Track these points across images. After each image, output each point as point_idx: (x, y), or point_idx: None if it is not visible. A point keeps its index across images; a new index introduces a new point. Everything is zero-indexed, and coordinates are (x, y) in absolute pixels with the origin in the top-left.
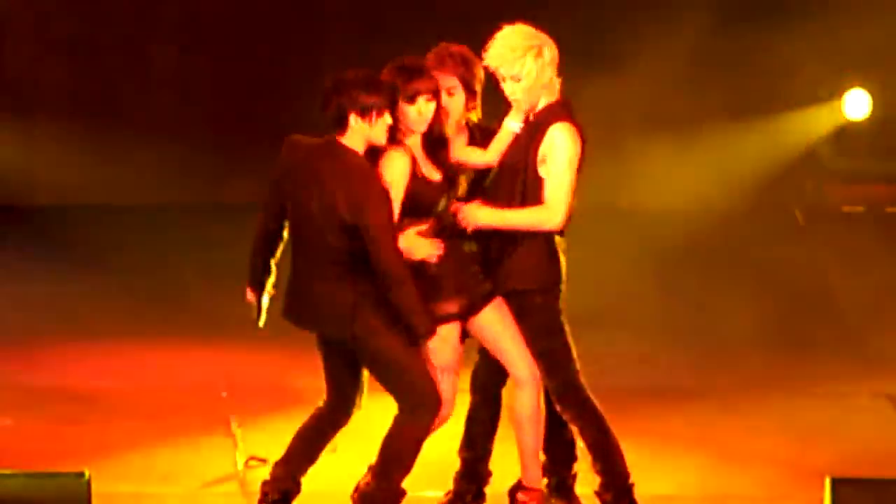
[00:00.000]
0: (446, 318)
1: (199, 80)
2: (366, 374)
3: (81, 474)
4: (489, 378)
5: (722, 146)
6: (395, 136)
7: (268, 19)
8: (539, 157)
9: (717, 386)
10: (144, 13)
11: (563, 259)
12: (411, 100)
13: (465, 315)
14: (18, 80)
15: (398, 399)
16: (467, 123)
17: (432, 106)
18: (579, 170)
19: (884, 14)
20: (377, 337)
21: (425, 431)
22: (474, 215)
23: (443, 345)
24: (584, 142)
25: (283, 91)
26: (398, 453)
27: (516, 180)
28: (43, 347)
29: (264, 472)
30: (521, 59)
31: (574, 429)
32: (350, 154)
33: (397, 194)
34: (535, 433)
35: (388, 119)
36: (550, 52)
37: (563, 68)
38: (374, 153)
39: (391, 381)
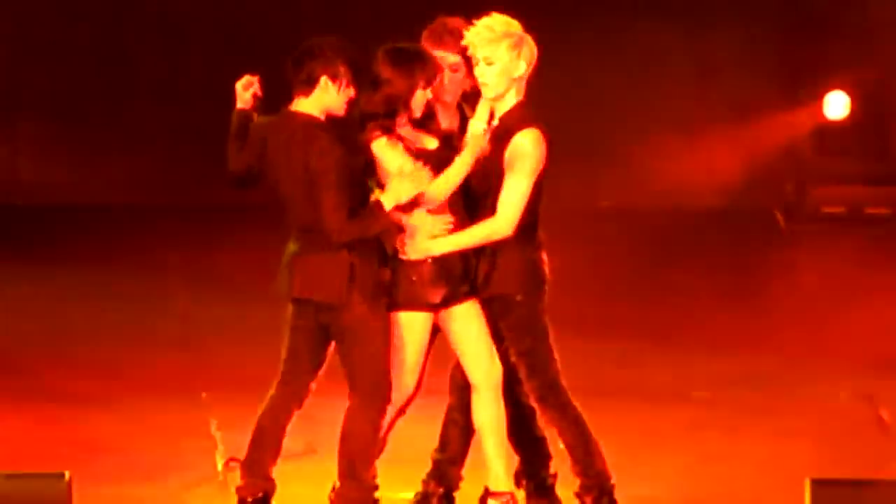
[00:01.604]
0: (425, 307)
1: (180, 81)
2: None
3: (62, 475)
4: (467, 380)
5: (703, 147)
6: (387, 123)
7: (250, 20)
8: (505, 163)
9: (697, 387)
10: (124, 14)
11: (546, 260)
12: (411, 92)
13: (442, 306)
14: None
15: (354, 383)
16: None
17: (428, 92)
18: (545, 171)
19: (863, 15)
20: (361, 311)
21: (379, 420)
22: (425, 248)
23: (412, 335)
24: (548, 144)
25: (266, 93)
26: (357, 449)
27: (488, 186)
28: (23, 348)
29: None
30: (496, 42)
31: (553, 430)
32: (300, 118)
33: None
34: (496, 438)
35: (350, 92)
36: (529, 50)
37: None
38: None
39: (357, 361)
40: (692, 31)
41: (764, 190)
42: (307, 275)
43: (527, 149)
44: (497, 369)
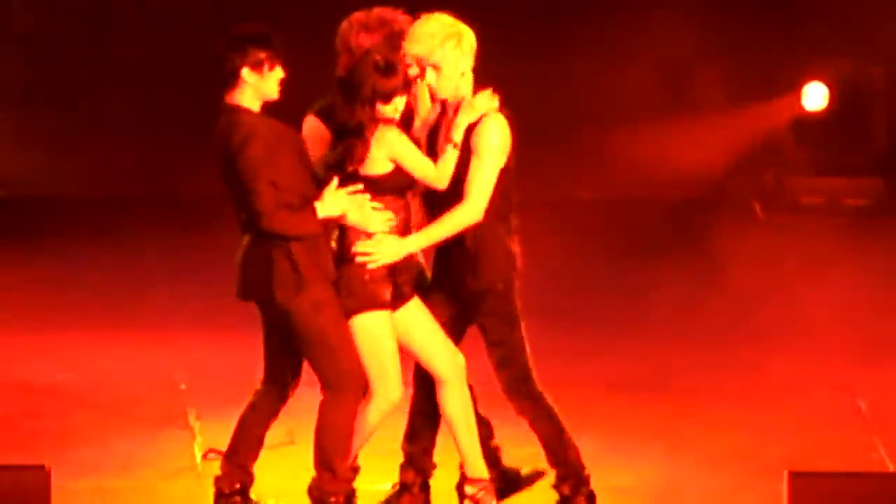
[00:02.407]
0: (382, 305)
1: (157, 74)
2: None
3: (41, 467)
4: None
5: (682, 137)
6: (369, 126)
7: (226, 14)
8: (471, 150)
9: (676, 378)
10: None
11: (517, 251)
12: (387, 99)
13: (393, 303)
14: None
15: (322, 377)
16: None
17: (404, 98)
18: (511, 161)
19: (841, 7)
20: (302, 307)
21: (352, 411)
22: (391, 251)
23: (383, 336)
24: (512, 130)
25: None
26: (332, 441)
27: (456, 176)
28: (1, 340)
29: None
30: (440, 46)
31: (525, 420)
32: (231, 111)
33: (410, 160)
34: (467, 427)
35: (279, 73)
36: (469, 41)
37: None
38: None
39: (315, 358)
40: (672, 24)
41: (742, 180)
42: (239, 273)
43: (491, 134)
44: (461, 358)
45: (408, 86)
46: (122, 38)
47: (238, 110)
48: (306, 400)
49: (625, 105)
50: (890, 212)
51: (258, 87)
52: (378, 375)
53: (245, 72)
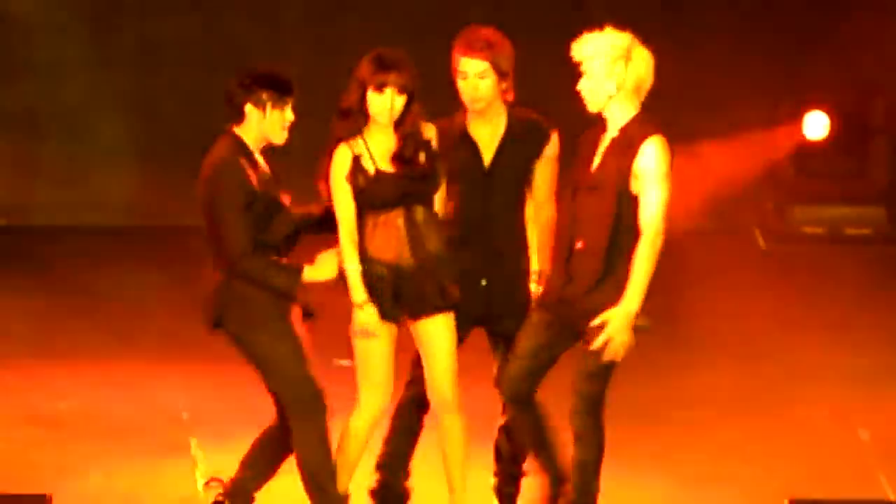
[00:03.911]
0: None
1: (159, 101)
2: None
3: (44, 497)
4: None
5: (683, 166)
6: (356, 125)
7: (229, 39)
8: (633, 174)
9: (675, 406)
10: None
11: None
12: (379, 89)
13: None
14: None
15: (282, 402)
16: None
17: (401, 100)
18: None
19: (842, 36)
20: (252, 332)
21: (317, 433)
22: (622, 325)
23: (373, 349)
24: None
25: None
26: (315, 465)
27: (611, 202)
28: (2, 370)
29: None
30: (619, 59)
31: (574, 440)
32: (217, 144)
33: (333, 186)
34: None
35: (286, 116)
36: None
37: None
38: None
39: (272, 382)
40: (671, 51)
41: (744, 210)
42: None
43: (660, 157)
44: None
45: (406, 88)
46: (125, 66)
47: (220, 145)
48: None
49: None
50: (892, 241)
51: (260, 125)
52: (363, 385)
53: (248, 108)
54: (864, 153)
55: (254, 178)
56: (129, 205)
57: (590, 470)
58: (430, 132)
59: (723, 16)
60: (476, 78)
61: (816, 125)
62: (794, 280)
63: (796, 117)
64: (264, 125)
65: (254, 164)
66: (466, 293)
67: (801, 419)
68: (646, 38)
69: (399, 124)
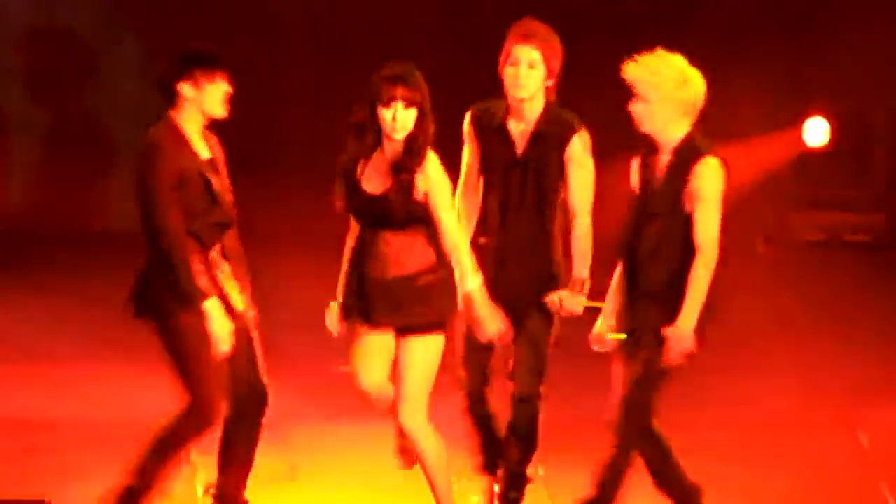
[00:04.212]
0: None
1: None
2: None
3: (42, 502)
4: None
5: None
6: (375, 140)
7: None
8: (688, 193)
9: (673, 413)
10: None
11: None
12: (387, 104)
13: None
14: None
15: (184, 392)
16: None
17: (411, 114)
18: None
19: (842, 42)
20: (168, 321)
21: (190, 436)
22: (682, 337)
23: (372, 354)
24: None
25: (243, 119)
26: (161, 442)
27: (670, 224)
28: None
29: None
30: (676, 91)
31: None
32: (151, 129)
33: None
34: (444, 473)
35: (222, 86)
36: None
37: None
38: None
39: (177, 373)
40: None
41: (744, 216)
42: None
43: (713, 176)
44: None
45: (414, 101)
46: (128, 74)
47: (153, 130)
48: (308, 435)
49: (622, 140)
50: (891, 248)
51: (198, 102)
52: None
53: (184, 88)
54: (864, 160)
55: (186, 161)
56: (128, 209)
57: (614, 486)
58: (430, 164)
59: (723, 23)
60: (526, 66)
61: (817, 132)
62: (793, 286)
63: (796, 124)
64: (203, 101)
65: (188, 146)
66: (494, 280)
67: (801, 424)
68: (644, 46)
69: (411, 139)
